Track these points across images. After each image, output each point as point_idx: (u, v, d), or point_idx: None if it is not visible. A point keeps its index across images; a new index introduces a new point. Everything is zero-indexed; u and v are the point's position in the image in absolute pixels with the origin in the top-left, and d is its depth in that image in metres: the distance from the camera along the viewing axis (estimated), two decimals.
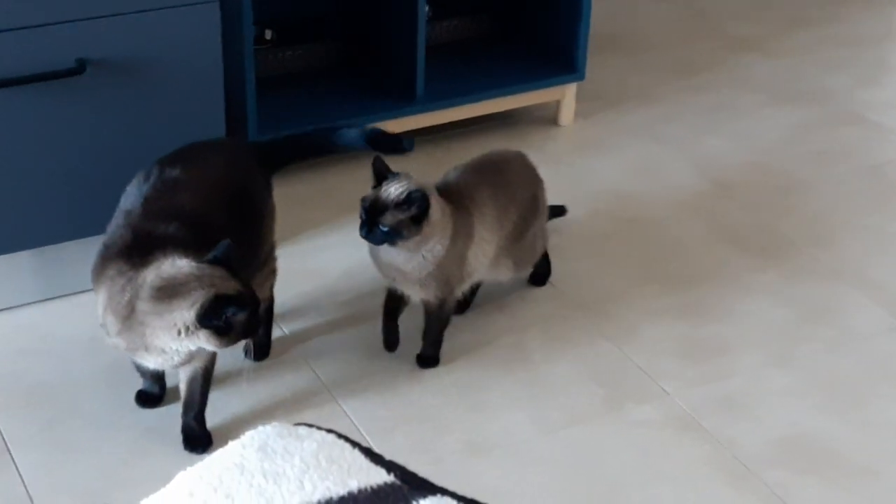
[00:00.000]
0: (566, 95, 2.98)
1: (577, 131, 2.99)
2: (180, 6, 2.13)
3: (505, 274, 2.28)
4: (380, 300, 2.25)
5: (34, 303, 2.29)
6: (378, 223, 2.01)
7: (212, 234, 1.86)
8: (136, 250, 1.84)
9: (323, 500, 1.16)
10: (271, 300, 2.19)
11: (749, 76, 3.26)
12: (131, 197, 1.95)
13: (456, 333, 2.25)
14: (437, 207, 2.06)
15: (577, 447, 2.03)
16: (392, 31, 2.79)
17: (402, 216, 2.01)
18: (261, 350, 2.17)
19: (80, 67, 2.06)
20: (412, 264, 2.08)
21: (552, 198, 2.53)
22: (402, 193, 2.01)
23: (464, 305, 2.32)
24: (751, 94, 3.17)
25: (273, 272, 2.17)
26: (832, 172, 2.84)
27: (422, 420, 2.08)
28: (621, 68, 3.28)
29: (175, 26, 2.14)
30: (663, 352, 2.25)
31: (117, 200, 1.99)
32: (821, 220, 2.66)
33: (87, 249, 2.26)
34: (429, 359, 2.21)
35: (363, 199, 2.04)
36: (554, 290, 2.41)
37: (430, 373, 2.19)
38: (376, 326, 2.24)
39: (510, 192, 2.23)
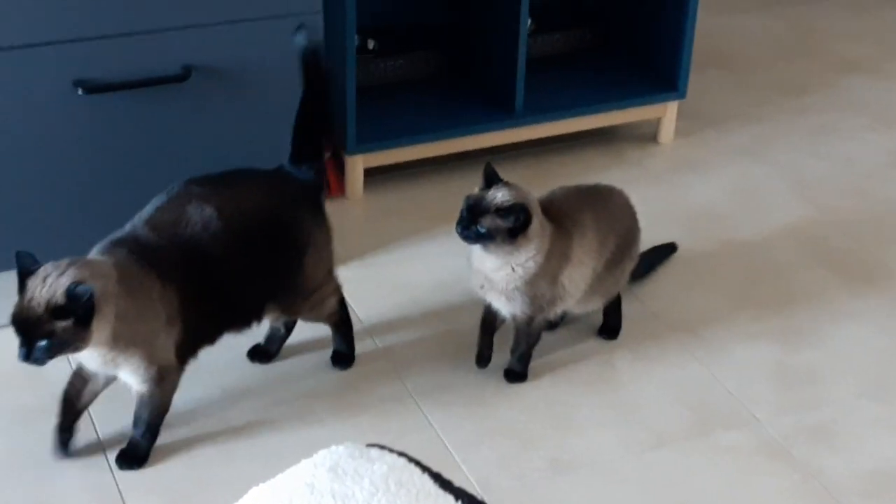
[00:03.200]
0: (667, 113, 2.96)
1: (676, 149, 2.97)
2: (285, 16, 2.16)
3: (594, 305, 2.28)
4: (470, 314, 2.26)
5: None
6: (476, 223, 2.03)
7: (201, 256, 1.89)
8: (118, 246, 1.85)
9: None
10: (339, 314, 2.19)
11: (855, 98, 3.20)
12: (151, 203, 1.95)
13: (545, 350, 2.25)
14: (537, 225, 2.06)
15: (664, 470, 2.01)
16: (494, 44, 2.79)
17: (500, 223, 2.02)
18: (342, 359, 2.21)
19: (185, 73, 2.11)
20: (501, 273, 2.09)
21: (651, 215, 2.52)
22: (506, 202, 2.03)
23: (554, 324, 2.32)
24: (856, 118, 3.11)
25: (325, 298, 2.14)
26: None
27: (507, 435, 2.08)
28: (724, 87, 3.24)
29: (279, 36, 2.17)
30: (755, 377, 2.22)
31: None
32: None
33: None
34: (516, 374, 2.21)
35: (468, 197, 2.06)
36: (644, 309, 2.39)
37: (517, 388, 2.19)
38: (466, 339, 2.25)
39: (612, 223, 2.23)
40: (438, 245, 2.54)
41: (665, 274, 2.49)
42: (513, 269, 2.08)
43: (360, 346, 2.25)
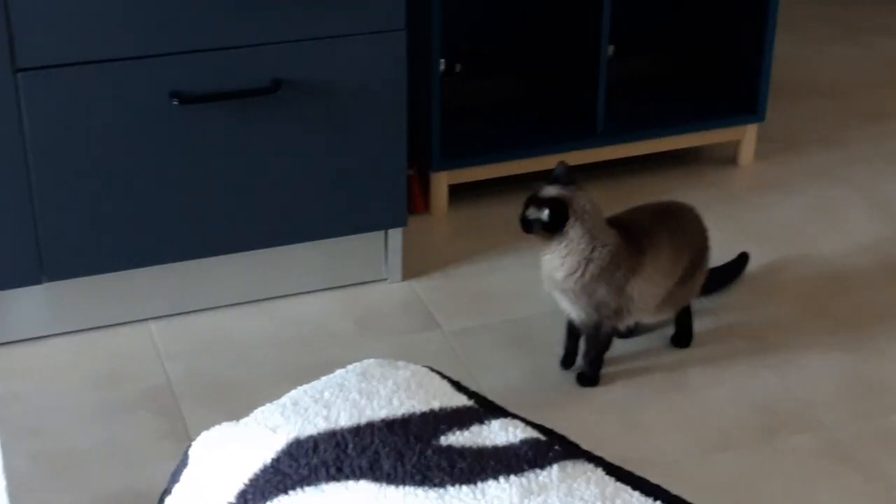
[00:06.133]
0: (746, 136, 3.02)
1: (756, 171, 3.02)
2: (368, 34, 2.28)
3: (664, 316, 2.35)
4: (545, 322, 2.38)
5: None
6: (527, 209, 2.15)
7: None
8: None
9: (407, 414, 1.32)
10: None
11: None
12: None
13: (618, 357, 2.32)
14: (578, 226, 2.14)
15: (731, 471, 2.06)
16: (576, 68, 2.89)
17: (538, 215, 2.14)
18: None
19: (274, 87, 2.24)
20: (560, 272, 2.18)
21: (728, 233, 2.58)
22: (547, 196, 2.14)
23: (628, 333, 2.38)
24: None
25: None
26: None
27: (578, 435, 2.10)
28: (805, 112, 3.29)
29: (362, 53, 2.29)
30: (824, 385, 2.26)
31: (304, 210, 2.16)
32: None
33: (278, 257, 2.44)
34: (588, 378, 2.28)
35: (535, 188, 2.18)
36: (718, 321, 2.44)
37: (589, 392, 2.26)
38: (541, 346, 2.34)
39: (685, 240, 2.30)
40: (517, 259, 2.63)
41: (739, 288, 2.54)
42: (572, 268, 2.16)
43: (440, 350, 2.34)
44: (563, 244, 2.15)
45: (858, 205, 2.86)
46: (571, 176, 2.17)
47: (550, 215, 2.13)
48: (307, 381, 2.16)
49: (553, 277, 2.20)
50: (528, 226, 2.17)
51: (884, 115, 3.27)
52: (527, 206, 2.16)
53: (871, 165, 3.03)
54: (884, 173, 2.99)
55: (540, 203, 2.14)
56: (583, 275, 2.16)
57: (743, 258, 2.57)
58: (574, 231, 2.14)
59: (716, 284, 2.46)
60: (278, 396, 2.14)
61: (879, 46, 3.68)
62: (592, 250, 2.15)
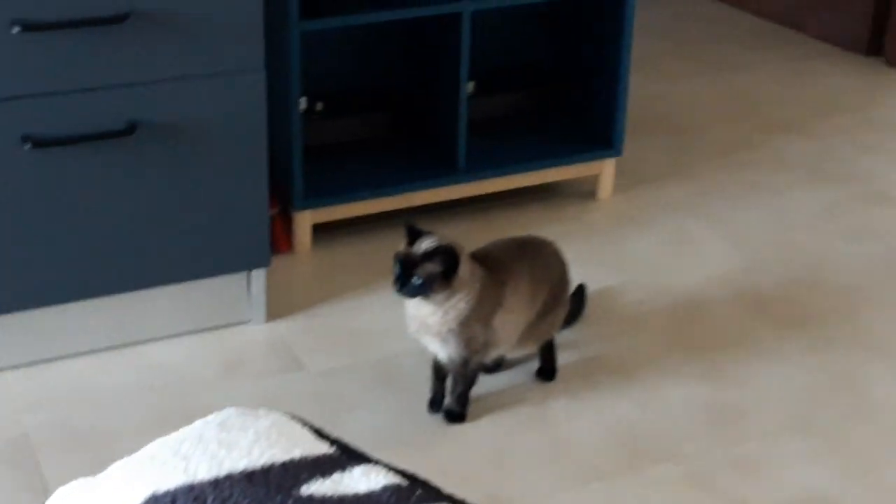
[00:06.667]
0: (605, 170, 3.08)
1: (614, 205, 3.09)
2: (226, 74, 2.27)
3: (528, 349, 2.38)
4: (412, 360, 2.38)
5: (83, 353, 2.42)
6: (411, 276, 2.12)
7: None
8: None
9: (267, 464, 1.31)
10: None
11: (785, 156, 3.34)
12: None
13: (484, 392, 2.34)
14: (465, 266, 2.16)
15: (597, 502, 2.09)
16: (437, 106, 2.92)
17: (433, 269, 2.12)
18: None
19: (129, 129, 2.21)
20: (435, 317, 2.18)
21: (589, 266, 2.62)
22: (431, 247, 2.13)
23: (493, 367, 2.41)
24: (786, 173, 3.24)
25: None
26: (860, 250, 2.89)
27: (446, 473, 2.15)
28: (661, 146, 3.37)
29: (220, 93, 2.28)
30: (684, 414, 2.31)
31: (164, 253, 2.12)
32: (848, 294, 2.72)
33: (128, 304, 2.39)
34: (456, 414, 2.29)
35: (396, 255, 2.15)
36: (580, 354, 2.48)
37: (456, 428, 2.27)
38: (407, 383, 2.35)
39: (544, 272, 2.33)
40: (383, 297, 2.63)
41: (600, 320, 2.59)
42: (447, 312, 2.17)
43: (306, 392, 2.33)
44: (453, 290, 2.14)
45: (713, 236, 2.94)
46: (419, 229, 2.18)
47: (446, 263, 2.12)
48: (172, 429, 2.12)
49: (424, 321, 2.20)
50: (418, 290, 2.12)
51: (735, 148, 3.37)
52: (407, 270, 2.12)
53: (724, 197, 3.12)
54: (736, 205, 3.08)
55: (424, 260, 2.12)
56: (458, 314, 2.18)
57: (580, 289, 2.60)
58: (462, 273, 2.15)
59: (570, 318, 2.49)
60: (142, 447, 2.10)
61: (730, 82, 3.80)
62: (466, 290, 2.17)
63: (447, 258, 2.12)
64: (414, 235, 2.16)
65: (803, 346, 2.52)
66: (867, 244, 2.92)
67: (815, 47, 4.06)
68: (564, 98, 3.18)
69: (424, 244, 2.14)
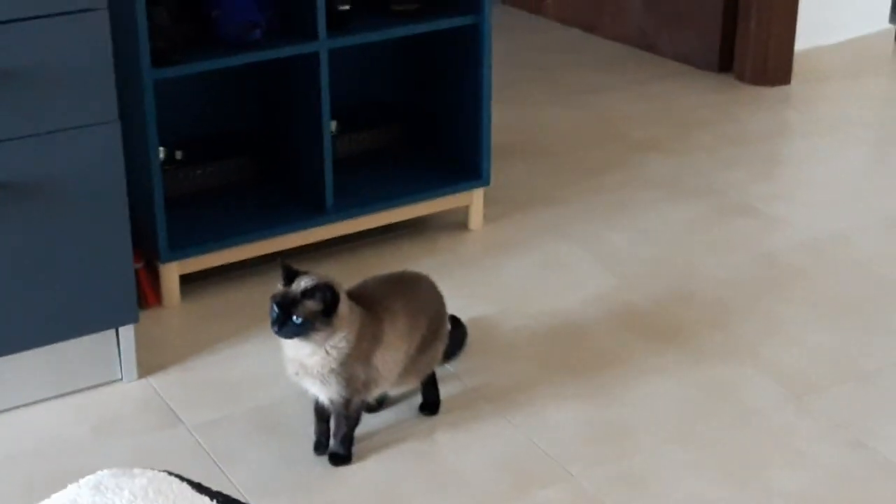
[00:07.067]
0: (474, 200, 3.09)
1: (486, 234, 3.10)
2: (80, 127, 2.21)
3: (410, 385, 2.36)
4: (292, 405, 2.35)
5: None
6: (290, 315, 2.08)
7: None
8: None
9: None
10: None
11: (648, 175, 3.40)
12: None
13: (368, 431, 2.31)
14: (345, 303, 2.14)
15: None
16: (300, 147, 2.89)
17: (313, 307, 2.09)
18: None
19: None
20: (315, 358, 2.14)
21: (465, 297, 2.62)
22: (310, 285, 2.10)
23: (375, 406, 2.38)
24: (650, 191, 3.30)
25: None
26: (727, 260, 2.95)
27: None
28: (527, 173, 3.40)
29: (75, 148, 2.22)
30: (568, 435, 2.32)
31: (27, 316, 2.04)
32: (717, 305, 2.77)
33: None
34: (341, 457, 2.25)
35: (273, 296, 2.11)
36: (462, 384, 2.47)
37: (343, 470, 2.23)
38: (289, 430, 2.31)
39: (421, 306, 2.32)
40: (257, 343, 2.59)
41: (480, 350, 2.58)
42: (327, 352, 2.14)
43: (185, 447, 2.27)
44: (333, 329, 2.11)
45: (584, 257, 2.97)
46: (295, 269, 2.15)
47: (326, 300, 2.09)
48: (43, 496, 2.05)
49: (303, 363, 2.16)
50: (298, 329, 2.09)
51: (598, 170, 3.42)
52: (285, 310, 2.08)
53: (592, 218, 3.15)
54: (604, 225, 3.12)
55: (304, 298, 2.09)
56: (339, 354, 2.15)
57: (458, 322, 2.56)
58: (342, 311, 2.12)
59: (450, 350, 2.47)
60: None
61: (589, 106, 3.85)
62: (345, 329, 2.14)
63: (327, 295, 2.10)
64: (290, 275, 2.13)
65: (679, 359, 2.56)
66: (731, 255, 2.98)
67: (669, 67, 4.15)
68: (429, 131, 3.18)
69: (303, 283, 2.11)
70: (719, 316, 2.72)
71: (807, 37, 4.12)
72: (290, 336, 2.11)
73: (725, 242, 3.04)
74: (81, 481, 1.34)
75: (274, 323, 2.10)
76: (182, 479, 1.35)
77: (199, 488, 1.33)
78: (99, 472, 1.36)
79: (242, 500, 1.36)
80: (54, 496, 1.32)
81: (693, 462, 2.24)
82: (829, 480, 2.20)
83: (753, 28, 3.96)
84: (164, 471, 1.37)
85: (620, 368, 2.52)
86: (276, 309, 2.09)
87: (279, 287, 2.12)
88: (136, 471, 1.35)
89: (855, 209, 3.22)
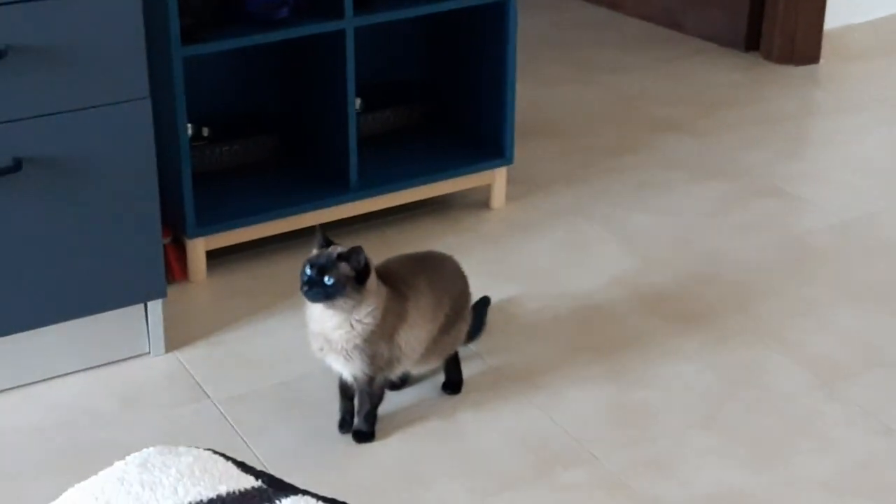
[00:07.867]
0: (496, 179, 3.10)
1: (508, 213, 3.10)
2: (111, 104, 2.23)
3: (432, 364, 2.37)
4: (317, 382, 2.36)
5: None
6: (323, 276, 2.10)
7: None
8: None
9: (194, 502, 1.28)
10: None
11: (672, 155, 3.39)
12: None
13: (392, 409, 2.33)
14: (373, 277, 2.16)
15: None
16: (325, 124, 2.90)
17: (346, 271, 2.11)
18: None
19: (16, 166, 2.15)
20: (340, 332, 2.16)
21: (487, 276, 2.62)
22: (346, 250, 2.12)
23: (398, 384, 2.40)
24: (674, 172, 3.29)
25: None
26: (752, 242, 2.95)
27: (359, 494, 2.14)
28: (550, 153, 3.40)
29: (106, 124, 2.24)
30: (591, 417, 2.33)
31: (57, 290, 2.06)
32: (742, 287, 2.77)
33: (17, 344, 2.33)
34: (364, 434, 2.27)
35: (308, 259, 2.12)
36: (484, 364, 2.49)
37: (366, 447, 2.25)
38: (314, 406, 2.33)
39: (445, 286, 2.33)
40: (282, 320, 2.61)
41: (503, 330, 2.59)
42: (352, 325, 2.16)
43: (211, 421, 2.29)
44: (360, 299, 2.13)
45: (607, 238, 2.98)
46: (328, 238, 2.17)
47: (359, 264, 2.11)
48: (75, 468, 2.07)
49: (328, 338, 2.18)
50: (329, 291, 2.10)
51: (622, 150, 3.42)
52: (319, 270, 2.09)
53: (615, 198, 3.16)
54: (628, 205, 3.12)
55: (339, 260, 2.11)
56: (364, 329, 2.16)
57: (481, 302, 2.59)
58: (371, 284, 2.14)
59: (472, 331, 2.49)
60: (46, 486, 2.05)
61: (613, 85, 3.85)
62: (373, 303, 2.16)
63: (362, 258, 2.12)
64: (327, 242, 2.16)
65: (703, 342, 2.56)
66: (757, 237, 2.98)
67: (694, 46, 4.14)
68: (453, 110, 3.19)
69: (339, 248, 2.14)
70: (744, 299, 2.72)
71: (836, 15, 4.08)
72: (318, 299, 2.12)
73: (751, 224, 3.04)
74: (128, 458, 1.35)
75: (304, 283, 2.11)
76: (227, 458, 1.37)
77: (244, 467, 1.35)
78: (145, 450, 1.38)
79: (285, 480, 1.37)
80: (102, 473, 1.34)
81: (717, 446, 2.26)
82: (856, 467, 2.21)
83: (782, 6, 3.93)
84: (209, 449, 1.39)
85: (644, 350, 2.53)
86: (308, 270, 2.11)
87: (314, 251, 2.15)
88: (182, 449, 1.37)
89: (884, 190, 3.21)
